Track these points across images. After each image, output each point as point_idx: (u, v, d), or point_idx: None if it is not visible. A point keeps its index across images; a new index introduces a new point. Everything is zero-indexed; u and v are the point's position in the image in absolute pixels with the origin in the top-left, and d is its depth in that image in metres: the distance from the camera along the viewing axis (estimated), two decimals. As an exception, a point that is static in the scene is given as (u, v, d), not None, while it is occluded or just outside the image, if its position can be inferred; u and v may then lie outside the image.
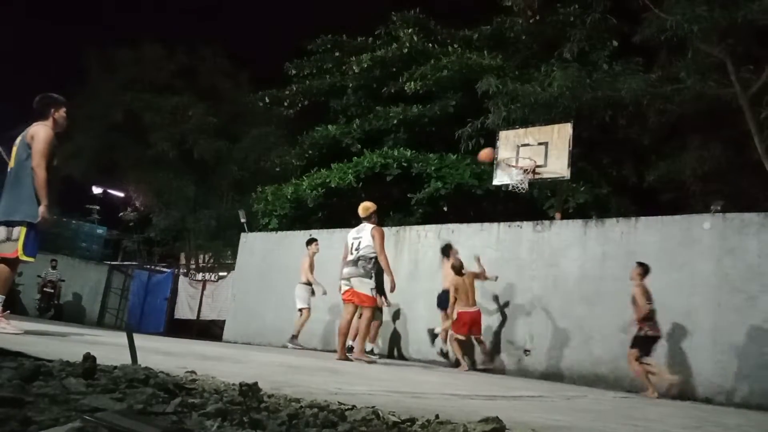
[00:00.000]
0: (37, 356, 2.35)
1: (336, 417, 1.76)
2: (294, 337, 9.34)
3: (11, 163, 4.84)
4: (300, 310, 9.49)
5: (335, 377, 3.97)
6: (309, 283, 9.50)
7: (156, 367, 2.39)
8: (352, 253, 6.92)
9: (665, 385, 6.72)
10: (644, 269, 6.90)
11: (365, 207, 7.21)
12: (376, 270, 8.86)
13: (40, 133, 4.71)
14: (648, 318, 6.74)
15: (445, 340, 8.72)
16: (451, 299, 7.99)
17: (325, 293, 9.11)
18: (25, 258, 4.68)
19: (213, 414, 1.59)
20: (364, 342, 7.11)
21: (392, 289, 7.08)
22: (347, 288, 6.87)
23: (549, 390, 5.62)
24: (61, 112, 4.96)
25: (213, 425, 1.50)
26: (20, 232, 4.60)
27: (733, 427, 3.89)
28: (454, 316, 7.99)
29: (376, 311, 8.65)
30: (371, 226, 7.02)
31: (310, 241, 9.78)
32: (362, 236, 6.96)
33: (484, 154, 9.71)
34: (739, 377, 6.75)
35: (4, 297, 4.68)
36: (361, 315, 7.01)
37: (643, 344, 6.76)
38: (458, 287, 7.93)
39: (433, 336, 8.88)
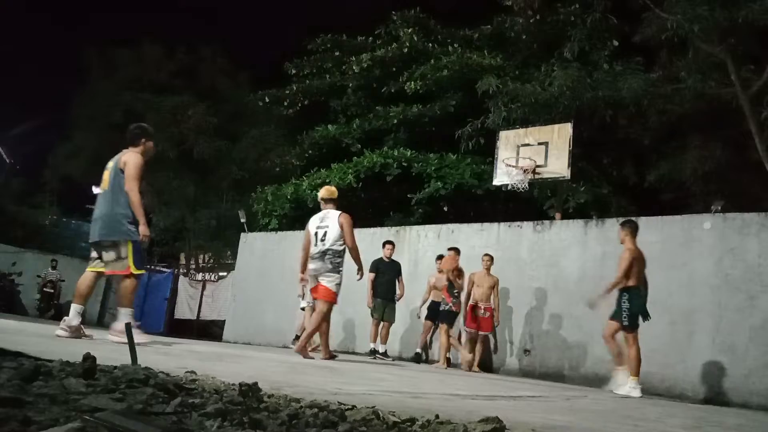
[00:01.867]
0: (37, 356, 2.35)
1: (336, 417, 1.75)
2: (297, 338, 9.07)
3: (104, 186, 5.23)
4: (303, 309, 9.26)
5: (335, 377, 3.97)
6: None
7: (156, 367, 2.39)
8: (317, 245, 6.20)
9: (462, 361, 8.07)
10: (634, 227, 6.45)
11: (330, 190, 6.53)
12: (381, 270, 8.86)
13: (131, 160, 5.11)
14: (454, 295, 7.93)
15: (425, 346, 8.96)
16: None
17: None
18: (137, 271, 5.04)
19: (213, 414, 1.59)
20: (312, 336, 6.40)
21: (360, 278, 6.43)
22: (316, 284, 6.21)
23: (549, 390, 5.62)
24: (150, 143, 5.35)
25: (213, 425, 1.50)
26: (128, 250, 4.97)
27: (733, 427, 3.89)
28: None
29: (392, 312, 8.68)
30: (337, 213, 6.29)
31: None
32: (329, 225, 6.23)
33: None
34: (739, 377, 6.75)
35: (131, 310, 5.10)
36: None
37: (450, 318, 7.96)
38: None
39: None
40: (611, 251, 8.03)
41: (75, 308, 4.94)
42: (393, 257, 9.01)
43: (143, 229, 5.01)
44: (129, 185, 5.01)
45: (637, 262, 6.17)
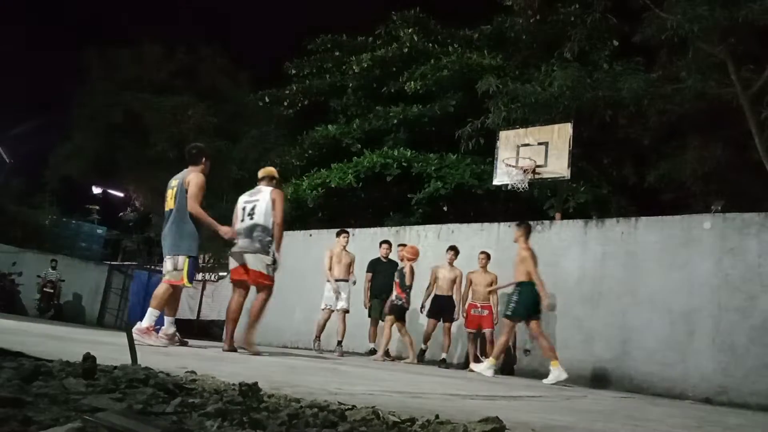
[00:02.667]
0: (37, 356, 2.35)
1: (336, 417, 1.75)
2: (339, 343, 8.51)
3: (169, 205, 5.62)
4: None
5: (335, 377, 3.97)
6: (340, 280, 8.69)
7: (156, 367, 2.39)
8: (243, 220, 5.68)
9: (409, 354, 8.26)
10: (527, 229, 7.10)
11: (268, 170, 6.12)
12: (379, 270, 8.82)
13: (194, 179, 5.56)
14: (406, 290, 8.13)
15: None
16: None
17: (354, 282, 8.80)
18: (188, 284, 5.47)
19: (213, 414, 1.59)
20: (255, 328, 5.90)
21: (271, 261, 5.75)
22: (238, 265, 5.69)
23: (549, 390, 5.62)
24: (209, 161, 5.83)
25: (213, 425, 1.50)
26: (184, 263, 5.39)
27: (733, 427, 3.89)
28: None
29: (400, 313, 8.53)
30: (270, 188, 5.82)
31: (339, 233, 8.97)
32: (258, 199, 5.72)
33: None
34: (739, 377, 6.75)
35: (158, 312, 5.40)
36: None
37: (400, 313, 8.19)
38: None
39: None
40: (611, 251, 8.05)
41: (167, 319, 5.50)
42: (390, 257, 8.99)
43: (226, 229, 5.57)
44: (191, 205, 5.41)
45: (532, 261, 6.76)
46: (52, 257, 17.19)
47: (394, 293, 8.30)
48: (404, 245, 8.89)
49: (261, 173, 6.13)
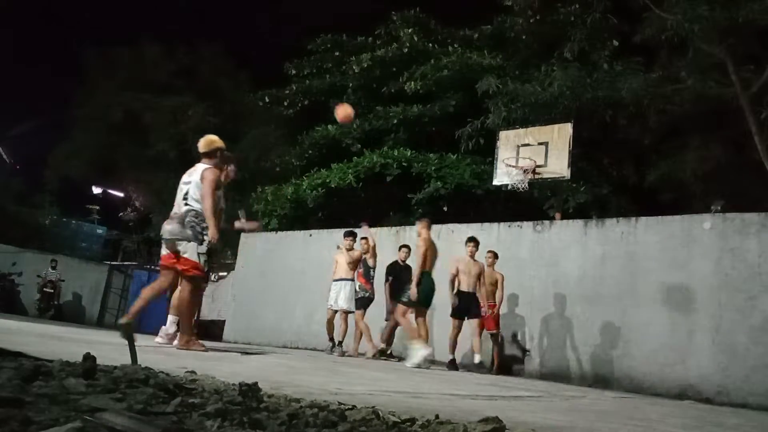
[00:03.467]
0: (37, 356, 2.35)
1: (336, 417, 1.75)
2: (339, 344, 8.40)
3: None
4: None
5: (335, 377, 3.97)
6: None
7: (156, 367, 2.39)
8: (178, 204, 5.22)
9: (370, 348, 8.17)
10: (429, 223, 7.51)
11: (209, 140, 5.41)
12: (397, 274, 8.65)
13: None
14: (371, 280, 8.32)
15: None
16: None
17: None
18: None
19: (213, 414, 1.59)
20: (191, 321, 5.36)
21: (212, 239, 5.10)
22: (171, 254, 5.13)
23: (549, 390, 5.62)
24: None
25: (213, 425, 1.50)
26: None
27: (733, 427, 3.89)
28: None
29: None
30: (205, 165, 5.24)
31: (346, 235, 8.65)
32: (192, 180, 5.18)
33: (342, 113, 7.11)
34: (739, 377, 6.75)
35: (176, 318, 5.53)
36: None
37: (365, 304, 8.26)
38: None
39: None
40: (611, 251, 8.05)
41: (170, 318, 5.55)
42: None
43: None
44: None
45: (431, 251, 7.13)
46: (52, 257, 17.19)
47: (358, 283, 8.26)
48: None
49: (204, 147, 5.38)
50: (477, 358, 7.66)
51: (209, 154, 5.31)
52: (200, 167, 5.23)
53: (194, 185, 5.12)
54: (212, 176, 5.11)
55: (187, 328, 5.15)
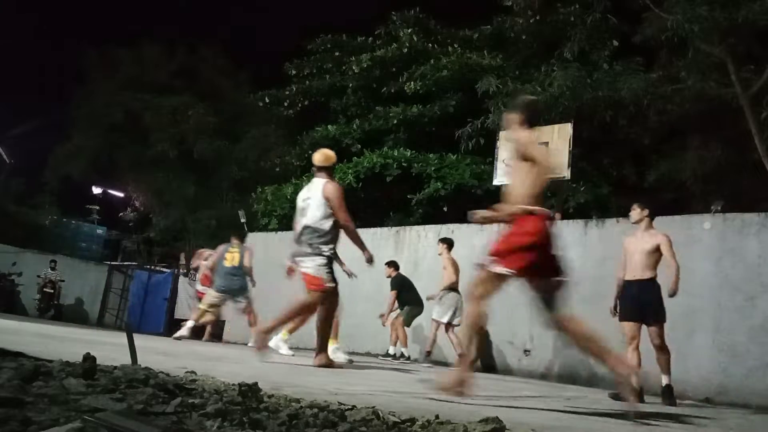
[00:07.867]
0: (37, 356, 2.35)
1: (336, 417, 1.75)
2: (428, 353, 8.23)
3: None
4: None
5: (335, 377, 3.97)
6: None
7: (156, 367, 2.39)
8: (299, 222, 5.16)
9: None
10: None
11: (328, 156, 5.32)
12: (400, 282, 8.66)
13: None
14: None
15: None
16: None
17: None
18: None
19: (213, 414, 1.59)
20: (327, 338, 5.36)
21: (367, 260, 5.26)
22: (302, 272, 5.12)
23: (549, 390, 5.62)
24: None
25: (213, 425, 1.50)
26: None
27: (733, 427, 3.89)
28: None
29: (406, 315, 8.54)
30: (323, 181, 5.13)
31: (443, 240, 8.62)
32: (311, 197, 5.10)
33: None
34: (739, 377, 6.75)
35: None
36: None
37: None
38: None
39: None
40: (611, 251, 8.03)
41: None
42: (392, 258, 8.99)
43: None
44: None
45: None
46: (51, 257, 17.18)
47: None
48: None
49: (319, 160, 5.29)
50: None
51: (327, 169, 5.28)
52: (319, 183, 5.15)
53: (315, 203, 5.03)
54: (338, 192, 5.09)
55: (323, 347, 5.11)
